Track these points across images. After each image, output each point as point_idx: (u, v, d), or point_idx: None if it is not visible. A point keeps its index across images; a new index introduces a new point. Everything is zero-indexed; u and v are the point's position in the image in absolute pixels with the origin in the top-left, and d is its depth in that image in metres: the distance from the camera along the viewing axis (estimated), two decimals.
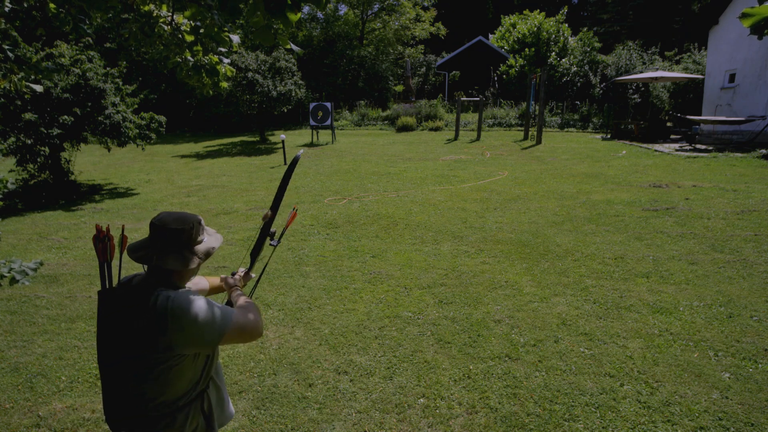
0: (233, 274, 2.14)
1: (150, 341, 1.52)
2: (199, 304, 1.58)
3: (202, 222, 1.74)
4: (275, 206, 2.17)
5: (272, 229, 2.13)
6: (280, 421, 3.05)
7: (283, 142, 13.75)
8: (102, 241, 1.65)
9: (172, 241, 1.63)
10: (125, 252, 1.69)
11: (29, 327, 4.42)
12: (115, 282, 1.70)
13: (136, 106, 11.71)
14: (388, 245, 6.39)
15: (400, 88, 27.02)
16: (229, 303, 1.94)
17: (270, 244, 2.12)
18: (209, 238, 1.76)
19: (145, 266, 1.66)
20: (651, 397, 3.14)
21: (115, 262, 1.74)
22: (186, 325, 1.53)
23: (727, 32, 15.26)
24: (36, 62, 3.10)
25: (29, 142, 10.07)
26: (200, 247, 1.69)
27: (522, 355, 3.69)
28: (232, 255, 6.24)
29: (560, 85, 22.65)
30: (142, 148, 11.95)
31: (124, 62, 11.87)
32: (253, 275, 2.27)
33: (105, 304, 1.62)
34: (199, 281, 2.06)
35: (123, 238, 1.70)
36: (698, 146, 14.01)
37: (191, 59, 3.17)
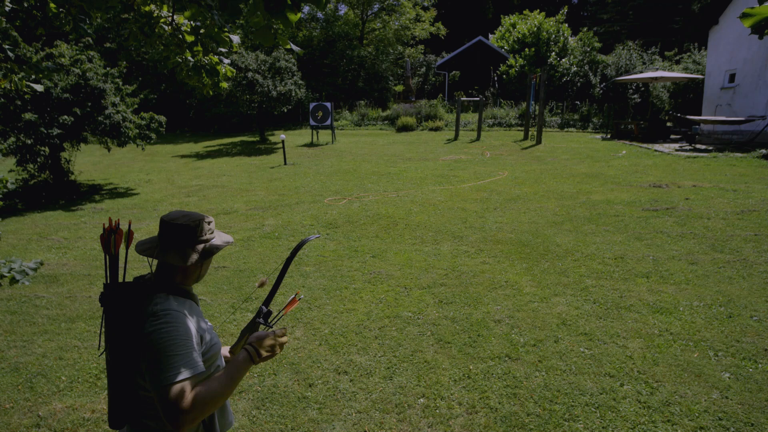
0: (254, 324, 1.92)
1: (134, 344, 1.53)
2: (175, 333, 1.49)
3: (212, 223, 1.73)
4: (276, 282, 1.98)
5: (268, 309, 1.84)
6: (280, 421, 3.05)
7: (283, 142, 13.75)
8: (109, 234, 1.65)
9: (176, 236, 1.64)
10: (132, 247, 1.70)
11: (29, 327, 4.42)
12: (120, 276, 1.70)
13: (136, 106, 11.71)
14: (388, 245, 6.39)
15: (400, 88, 27.02)
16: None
17: (258, 321, 1.83)
18: (216, 238, 1.75)
19: (151, 262, 1.67)
20: (651, 397, 3.14)
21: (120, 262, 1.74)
22: (149, 350, 1.47)
23: (727, 32, 15.26)
24: (36, 62, 3.10)
25: (29, 142, 10.07)
26: (203, 246, 1.69)
27: (522, 355, 3.69)
28: (233, 255, 6.24)
29: (560, 85, 22.65)
30: (142, 148, 11.95)
31: (124, 62, 11.86)
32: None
33: (108, 298, 1.62)
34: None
35: (129, 234, 1.70)
36: (698, 146, 14.01)
37: (191, 59, 3.17)
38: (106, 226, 1.67)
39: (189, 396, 1.41)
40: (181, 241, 1.64)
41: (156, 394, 1.41)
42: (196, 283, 1.80)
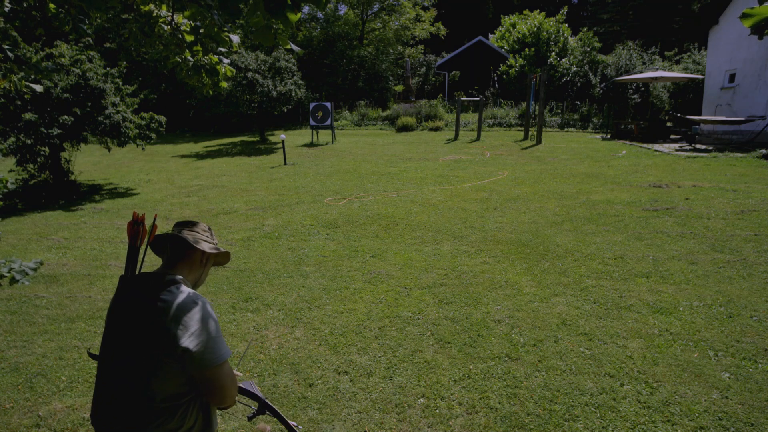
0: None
1: (160, 335, 1.50)
2: (212, 316, 1.60)
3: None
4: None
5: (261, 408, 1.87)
6: None
7: (283, 142, 13.75)
8: (136, 224, 1.73)
9: (203, 234, 1.81)
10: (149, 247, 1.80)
11: (29, 327, 4.42)
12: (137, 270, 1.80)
13: (136, 106, 11.70)
14: (388, 245, 6.39)
15: (400, 88, 27.02)
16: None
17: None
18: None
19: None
20: (651, 397, 3.14)
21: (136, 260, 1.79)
22: (195, 330, 1.53)
23: (727, 32, 15.26)
24: (36, 62, 3.11)
25: (29, 142, 10.06)
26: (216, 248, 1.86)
27: (522, 355, 3.68)
28: (233, 255, 6.24)
29: (560, 85, 22.65)
30: (142, 148, 11.94)
31: (124, 62, 11.85)
32: None
33: (122, 290, 1.63)
34: None
35: (153, 227, 1.74)
36: (698, 146, 14.01)
37: (191, 59, 3.17)
38: (135, 216, 1.75)
39: (235, 373, 1.64)
40: (207, 237, 1.82)
41: (209, 372, 1.52)
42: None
